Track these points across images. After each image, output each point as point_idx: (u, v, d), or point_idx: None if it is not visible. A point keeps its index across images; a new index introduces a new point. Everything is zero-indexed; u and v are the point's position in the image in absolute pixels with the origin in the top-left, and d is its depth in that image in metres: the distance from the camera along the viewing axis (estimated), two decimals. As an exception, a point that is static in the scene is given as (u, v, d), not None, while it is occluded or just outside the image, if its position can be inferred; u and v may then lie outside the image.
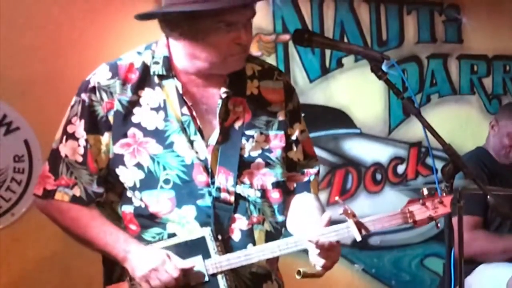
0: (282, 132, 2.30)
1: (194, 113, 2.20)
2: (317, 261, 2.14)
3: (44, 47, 3.57)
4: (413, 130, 4.44)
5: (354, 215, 2.13)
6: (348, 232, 2.14)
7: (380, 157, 4.44)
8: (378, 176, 4.42)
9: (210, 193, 2.19)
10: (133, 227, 2.23)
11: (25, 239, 3.51)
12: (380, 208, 4.29)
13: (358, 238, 2.13)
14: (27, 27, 3.54)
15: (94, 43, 3.62)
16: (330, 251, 2.13)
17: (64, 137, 2.22)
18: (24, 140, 3.56)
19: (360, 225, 2.14)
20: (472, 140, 4.07)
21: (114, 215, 2.26)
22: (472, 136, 4.04)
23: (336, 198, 2.23)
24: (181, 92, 2.20)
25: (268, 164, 2.27)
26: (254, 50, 4.08)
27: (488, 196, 2.21)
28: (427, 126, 2.16)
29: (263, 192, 2.26)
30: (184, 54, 2.19)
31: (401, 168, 4.48)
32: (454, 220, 2.25)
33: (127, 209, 2.23)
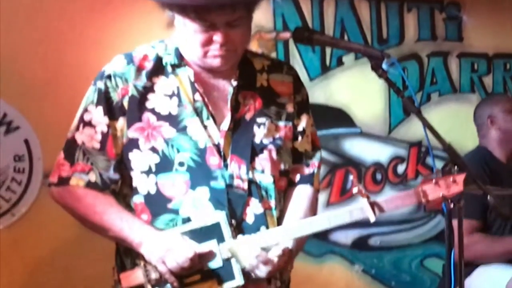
0: (290, 124, 2.36)
1: (206, 99, 2.25)
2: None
3: (44, 47, 3.57)
4: (413, 129, 4.43)
5: (368, 196, 2.16)
6: (362, 212, 2.16)
7: (380, 157, 4.44)
8: (378, 176, 4.41)
9: (223, 176, 2.22)
10: (144, 216, 2.24)
11: (25, 239, 3.51)
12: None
13: (372, 219, 2.15)
14: (27, 27, 3.54)
15: (94, 43, 3.61)
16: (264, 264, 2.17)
17: (81, 125, 2.26)
18: (24, 139, 3.55)
19: (374, 205, 2.15)
20: (472, 139, 4.06)
21: (128, 209, 2.27)
22: (472, 135, 4.03)
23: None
24: (192, 79, 2.25)
25: (278, 152, 2.31)
26: (254, 48, 4.08)
27: (489, 196, 2.20)
28: (427, 125, 2.17)
29: (274, 178, 2.30)
30: (182, 44, 2.26)
31: (401, 168, 4.47)
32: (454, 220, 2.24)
33: (137, 200, 2.26)
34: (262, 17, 4.10)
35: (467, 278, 3.64)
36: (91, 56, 3.44)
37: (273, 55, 4.14)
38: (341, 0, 4.33)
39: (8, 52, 3.46)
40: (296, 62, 4.22)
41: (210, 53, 2.20)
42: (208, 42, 2.18)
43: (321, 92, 4.28)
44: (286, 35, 4.17)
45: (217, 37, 2.16)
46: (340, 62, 4.34)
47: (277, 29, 4.17)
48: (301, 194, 2.38)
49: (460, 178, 2.14)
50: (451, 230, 2.18)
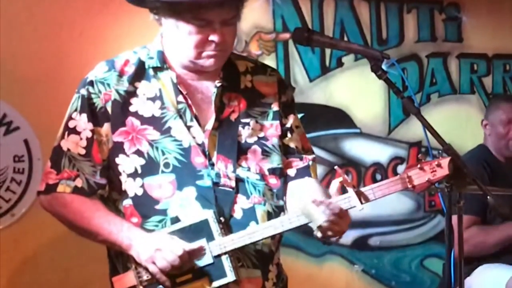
0: (277, 122, 2.35)
1: (189, 101, 2.26)
2: (325, 229, 2.14)
3: (44, 47, 3.58)
4: (413, 129, 4.43)
5: (353, 186, 2.15)
6: (349, 202, 2.15)
7: (380, 157, 4.44)
8: (378, 176, 4.41)
9: (209, 174, 2.23)
10: (134, 219, 2.25)
11: (25, 240, 3.52)
12: (380, 209, 4.31)
13: (359, 207, 2.14)
14: (27, 27, 3.54)
15: (94, 43, 3.62)
16: (339, 217, 2.13)
17: (66, 133, 2.27)
18: (24, 140, 3.56)
19: (360, 195, 2.14)
20: (472, 139, 4.06)
21: (118, 213, 2.28)
22: (472, 135, 4.04)
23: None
24: (175, 81, 2.26)
25: (264, 151, 2.31)
26: (254, 49, 4.09)
27: (488, 197, 2.19)
28: (427, 125, 2.17)
29: (262, 176, 2.30)
30: (171, 47, 2.26)
31: (401, 168, 4.46)
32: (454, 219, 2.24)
33: (127, 203, 2.26)
34: (261, 17, 4.10)
35: (467, 277, 3.65)
36: (91, 56, 3.43)
37: (273, 56, 4.14)
38: (340, 1, 4.33)
39: (8, 52, 3.47)
40: (296, 63, 4.22)
41: (204, 54, 2.20)
42: (203, 43, 2.18)
43: (321, 93, 4.29)
44: (286, 36, 4.17)
45: (214, 37, 2.17)
46: (339, 63, 4.34)
47: (276, 30, 4.17)
48: (306, 182, 2.35)
49: (445, 161, 2.13)
50: (451, 230, 2.19)
